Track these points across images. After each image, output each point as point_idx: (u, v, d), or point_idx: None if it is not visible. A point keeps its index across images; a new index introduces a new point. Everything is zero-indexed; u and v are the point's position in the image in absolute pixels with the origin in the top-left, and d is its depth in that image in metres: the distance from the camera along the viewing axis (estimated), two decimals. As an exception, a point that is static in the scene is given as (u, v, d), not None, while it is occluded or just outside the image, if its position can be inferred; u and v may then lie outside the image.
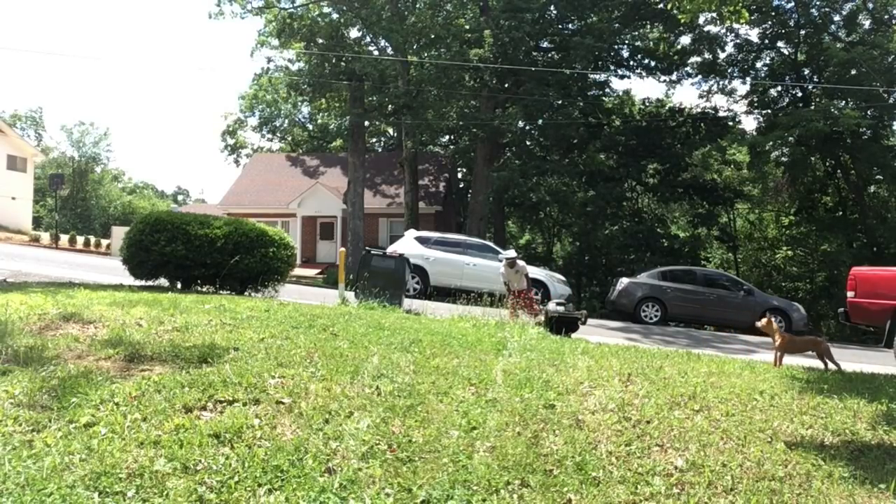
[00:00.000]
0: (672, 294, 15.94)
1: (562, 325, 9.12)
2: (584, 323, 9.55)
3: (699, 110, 28.20)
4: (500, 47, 23.28)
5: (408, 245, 15.85)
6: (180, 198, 76.35)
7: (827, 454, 4.11)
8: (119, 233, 20.80)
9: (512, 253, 11.31)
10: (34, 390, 3.98)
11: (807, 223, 28.32)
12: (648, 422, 4.42)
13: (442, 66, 24.29)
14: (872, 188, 27.85)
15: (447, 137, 37.14)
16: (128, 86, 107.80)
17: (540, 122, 25.68)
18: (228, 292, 9.64)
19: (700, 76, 27.79)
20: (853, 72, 22.80)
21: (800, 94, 26.21)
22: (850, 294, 10.01)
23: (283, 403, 4.09)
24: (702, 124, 27.14)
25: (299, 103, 40.21)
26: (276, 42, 25.07)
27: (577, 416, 4.43)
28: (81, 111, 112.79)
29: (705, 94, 29.25)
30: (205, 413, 3.89)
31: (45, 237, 28.50)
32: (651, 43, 27.38)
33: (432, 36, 24.22)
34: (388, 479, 3.31)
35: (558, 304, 9.80)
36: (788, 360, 7.31)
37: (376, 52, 26.59)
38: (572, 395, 4.88)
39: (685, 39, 27.55)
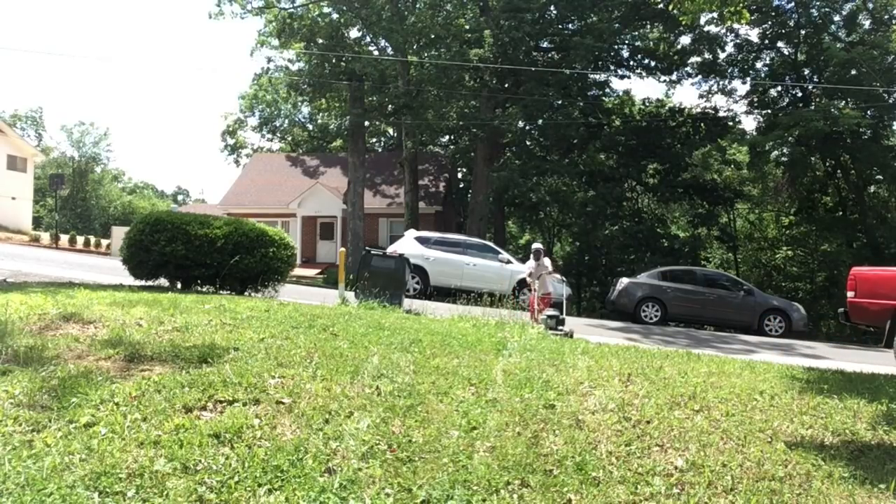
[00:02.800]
0: (672, 294, 15.94)
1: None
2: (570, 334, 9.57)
3: (699, 110, 28.21)
4: (500, 47, 23.27)
5: (408, 245, 15.85)
6: (180, 198, 76.46)
7: (827, 454, 4.10)
8: (119, 233, 20.81)
9: (538, 244, 11.10)
10: (34, 390, 3.98)
11: (807, 223, 28.32)
12: (648, 422, 4.41)
13: (442, 66, 24.28)
14: (872, 188, 27.87)
15: (447, 137, 37.13)
16: (128, 86, 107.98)
17: (540, 122, 25.69)
18: (228, 292, 9.64)
19: (700, 76, 27.80)
20: (853, 72, 22.82)
21: (800, 94, 26.21)
22: (850, 294, 10.01)
23: (283, 403, 4.08)
24: (702, 124, 27.13)
25: (299, 103, 40.25)
26: (276, 42, 25.13)
27: (577, 416, 4.43)
28: (81, 111, 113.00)
29: (705, 94, 29.31)
30: (205, 413, 3.89)
31: (45, 237, 28.50)
32: (651, 43, 27.36)
33: (432, 36, 24.23)
34: (388, 479, 3.30)
35: (550, 316, 9.78)
36: (789, 359, 7.31)
37: (376, 52, 26.60)
38: (572, 395, 4.87)
39: (685, 39, 27.59)
